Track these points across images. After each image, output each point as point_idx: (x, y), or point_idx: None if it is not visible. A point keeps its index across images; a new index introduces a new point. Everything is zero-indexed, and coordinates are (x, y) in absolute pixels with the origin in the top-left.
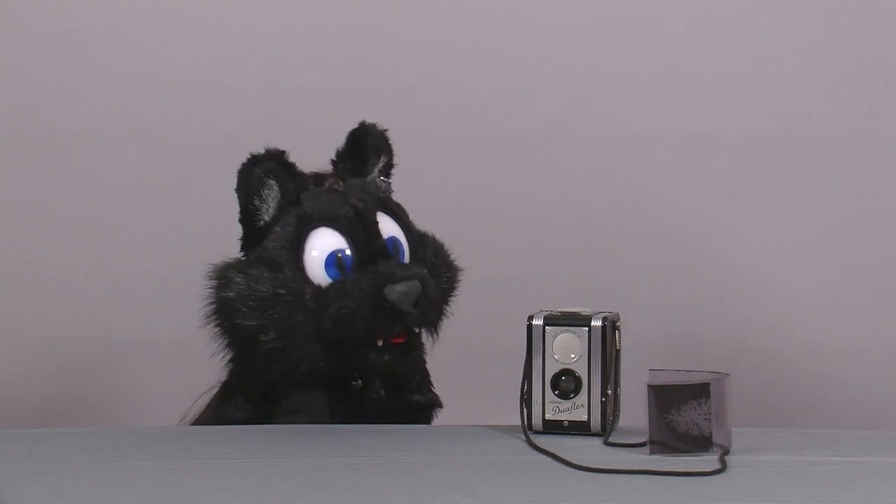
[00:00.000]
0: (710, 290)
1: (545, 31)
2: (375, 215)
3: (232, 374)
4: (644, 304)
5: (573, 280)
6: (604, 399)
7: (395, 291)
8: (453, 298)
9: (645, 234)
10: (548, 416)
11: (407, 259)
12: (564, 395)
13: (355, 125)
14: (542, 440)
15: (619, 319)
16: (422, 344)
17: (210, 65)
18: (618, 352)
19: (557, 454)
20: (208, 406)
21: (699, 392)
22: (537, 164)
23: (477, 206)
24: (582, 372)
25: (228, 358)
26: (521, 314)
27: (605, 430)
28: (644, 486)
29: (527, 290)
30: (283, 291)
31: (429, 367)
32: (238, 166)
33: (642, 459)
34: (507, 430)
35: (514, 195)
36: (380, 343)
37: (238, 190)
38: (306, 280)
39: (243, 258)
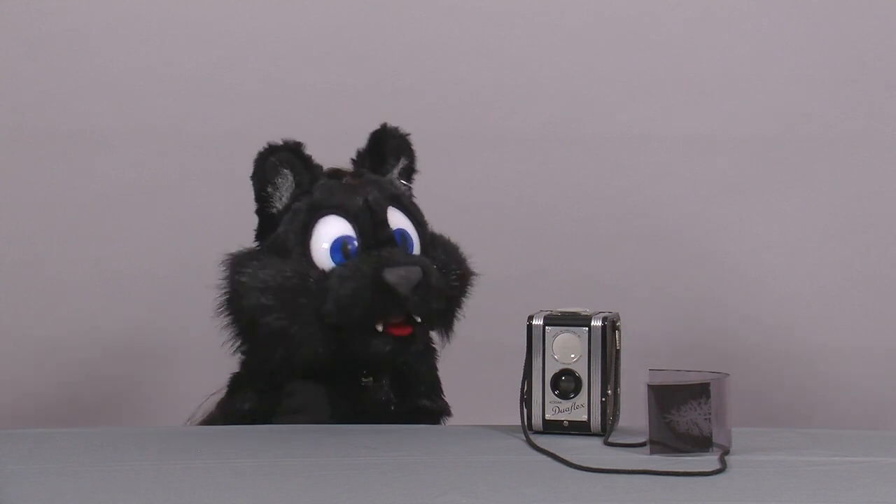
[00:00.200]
0: (710, 290)
1: (545, 31)
2: (385, 207)
3: (242, 366)
4: (644, 304)
5: (573, 280)
6: (604, 399)
7: (394, 273)
8: (464, 300)
9: (645, 234)
10: (548, 416)
11: (417, 253)
12: (564, 395)
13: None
14: (542, 440)
15: (619, 319)
16: (433, 350)
17: (210, 65)
18: (618, 352)
19: (557, 454)
20: (218, 403)
21: (699, 392)
22: (537, 164)
23: (477, 206)
24: (582, 372)
25: (237, 345)
26: (521, 314)
27: (605, 430)
28: (644, 486)
29: (527, 290)
30: (288, 274)
31: None
32: (238, 166)
33: (642, 459)
34: (507, 430)
35: (514, 195)
36: (379, 328)
37: (253, 177)
38: (311, 265)
39: (257, 247)
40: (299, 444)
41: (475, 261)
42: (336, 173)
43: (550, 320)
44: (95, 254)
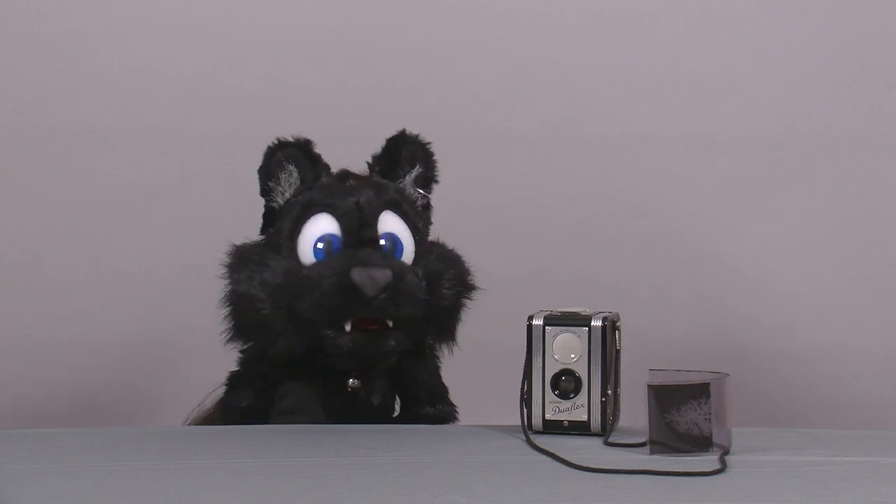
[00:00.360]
0: (710, 290)
1: (545, 31)
2: (378, 210)
3: (240, 364)
4: (644, 304)
5: (573, 280)
6: (604, 399)
7: (360, 273)
8: (462, 310)
9: (645, 234)
10: (548, 416)
11: (409, 260)
12: (564, 395)
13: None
14: (542, 440)
15: (619, 319)
16: (436, 357)
17: (210, 65)
18: (618, 352)
19: (557, 454)
20: (217, 401)
21: (699, 392)
22: (537, 164)
23: (477, 206)
24: (582, 372)
25: (229, 335)
26: (521, 314)
27: (605, 430)
28: (644, 486)
29: (527, 290)
30: (275, 268)
31: None
32: (238, 166)
33: (642, 459)
34: (507, 430)
35: (514, 195)
36: (347, 328)
37: (259, 171)
38: (297, 261)
39: (260, 240)
40: (299, 444)
41: (476, 261)
42: (344, 174)
43: (550, 320)
44: (95, 254)
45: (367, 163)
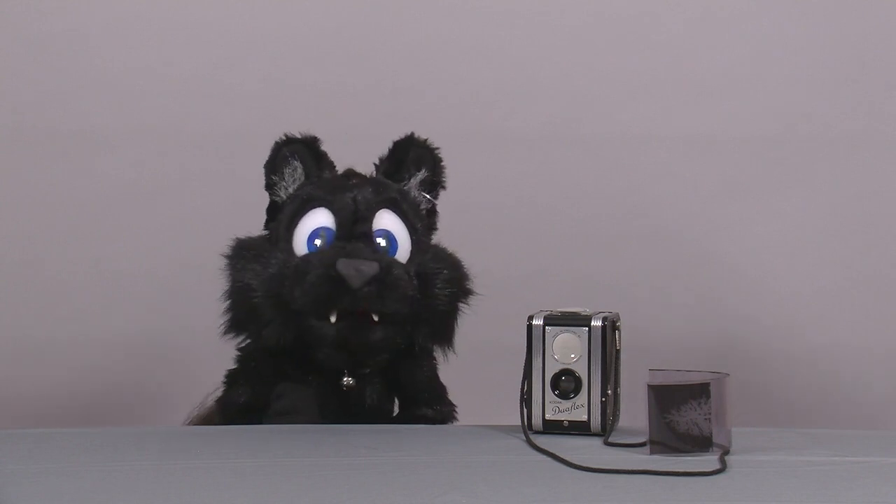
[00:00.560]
0: (710, 290)
1: (545, 31)
2: (375, 207)
3: (237, 361)
4: (644, 304)
5: (573, 280)
6: (604, 399)
7: (346, 265)
8: (458, 313)
9: (645, 234)
10: (548, 416)
11: (403, 259)
12: (564, 395)
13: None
14: (542, 440)
15: (619, 319)
16: (433, 358)
17: (210, 65)
18: (618, 352)
19: (557, 454)
20: (216, 399)
21: (699, 392)
22: (537, 164)
23: (477, 206)
24: (582, 372)
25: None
26: (521, 314)
27: (605, 430)
28: (644, 486)
29: (527, 290)
30: (271, 260)
31: None
32: (238, 166)
33: (642, 459)
34: (507, 430)
35: (514, 195)
36: (332, 319)
37: (265, 165)
38: (291, 253)
39: (263, 234)
40: (299, 444)
41: (476, 261)
42: (349, 174)
43: (550, 320)
44: (95, 254)
45: (374, 164)
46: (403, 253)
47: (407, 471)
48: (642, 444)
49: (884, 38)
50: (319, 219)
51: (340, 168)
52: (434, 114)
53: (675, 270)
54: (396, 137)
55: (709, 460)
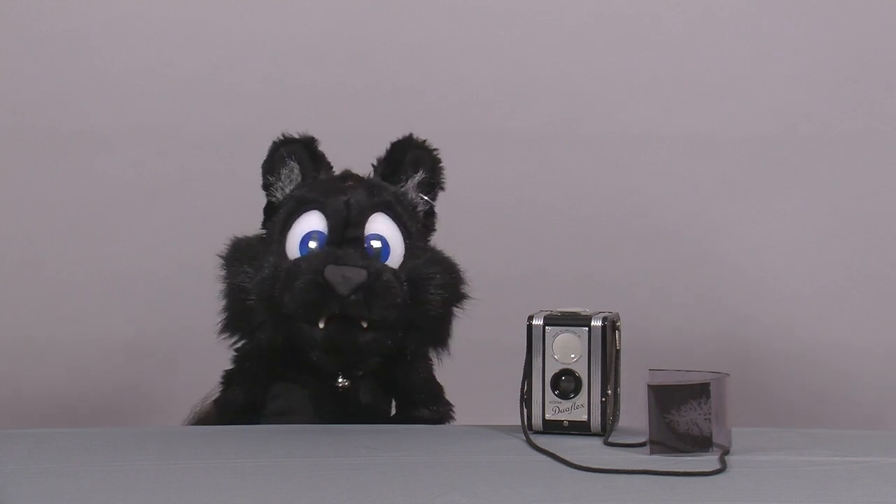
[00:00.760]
0: (710, 290)
1: (545, 31)
2: (367, 210)
3: (234, 362)
4: (644, 304)
5: (573, 280)
6: (604, 399)
7: (334, 272)
8: (452, 317)
9: (645, 234)
10: (548, 416)
11: (396, 264)
12: (564, 395)
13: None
14: (542, 440)
15: (619, 319)
16: (428, 359)
17: (210, 65)
18: (618, 352)
19: (557, 454)
20: (214, 399)
21: (699, 392)
22: (537, 164)
23: (477, 206)
24: (582, 372)
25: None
26: (521, 314)
27: (605, 430)
28: (644, 486)
29: (527, 290)
30: (263, 263)
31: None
32: (238, 166)
33: (642, 459)
34: (507, 430)
35: (514, 195)
36: (321, 325)
37: (262, 165)
38: (284, 256)
39: (259, 234)
40: (299, 444)
41: (476, 261)
42: (345, 175)
43: (550, 320)
44: (95, 254)
45: (372, 165)
46: (396, 257)
47: (407, 471)
48: (642, 444)
49: (884, 38)
50: (312, 222)
51: (339, 168)
52: (434, 114)
53: (675, 270)
54: (396, 138)
55: (709, 460)
